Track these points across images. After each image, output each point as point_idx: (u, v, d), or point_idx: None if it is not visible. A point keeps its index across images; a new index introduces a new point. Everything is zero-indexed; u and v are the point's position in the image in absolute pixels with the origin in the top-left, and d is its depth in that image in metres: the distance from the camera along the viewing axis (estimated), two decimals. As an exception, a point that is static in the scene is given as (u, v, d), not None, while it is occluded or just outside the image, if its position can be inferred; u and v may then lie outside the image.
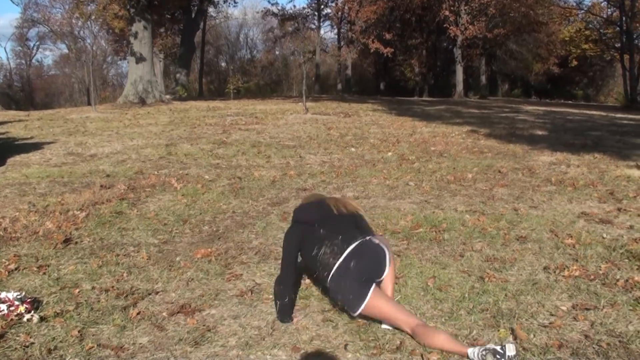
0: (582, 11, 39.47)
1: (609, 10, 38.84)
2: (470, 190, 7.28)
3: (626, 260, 4.54)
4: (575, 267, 4.32)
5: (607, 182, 7.74)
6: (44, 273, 4.35)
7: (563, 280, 4.13)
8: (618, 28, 33.68)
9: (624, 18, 31.75)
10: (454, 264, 4.54)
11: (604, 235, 5.23)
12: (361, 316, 3.46)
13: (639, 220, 5.78)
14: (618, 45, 35.07)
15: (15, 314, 3.52)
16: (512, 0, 34.56)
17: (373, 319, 3.47)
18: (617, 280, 4.10)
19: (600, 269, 4.33)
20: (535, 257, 4.67)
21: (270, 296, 3.91)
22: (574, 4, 39.88)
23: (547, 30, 40.82)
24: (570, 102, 39.89)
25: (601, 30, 39.15)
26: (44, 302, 3.82)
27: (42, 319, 3.55)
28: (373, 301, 3.38)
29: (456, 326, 3.48)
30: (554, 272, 4.29)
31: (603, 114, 22.69)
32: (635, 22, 33.06)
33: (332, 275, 3.50)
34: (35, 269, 4.42)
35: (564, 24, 43.40)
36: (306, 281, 4.19)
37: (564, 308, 3.67)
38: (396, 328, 3.36)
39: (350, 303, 3.44)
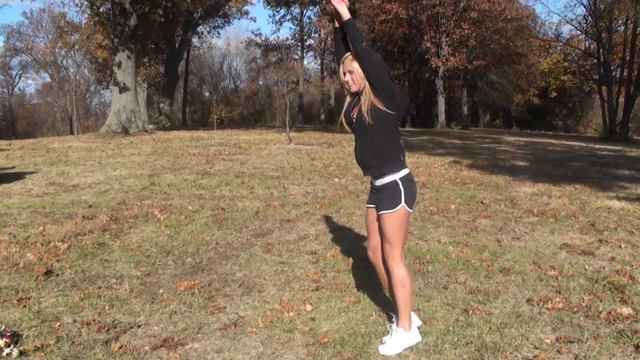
0: (561, 43, 40.21)
1: (587, 42, 39.57)
2: (454, 222, 7.31)
3: (608, 292, 4.57)
4: (558, 299, 4.34)
5: (589, 213, 7.81)
6: (24, 306, 4.29)
7: (547, 313, 4.14)
8: (596, 60, 34.27)
9: (601, 50, 32.33)
10: (438, 296, 4.54)
11: (586, 267, 5.27)
12: None
13: (621, 252, 5.83)
14: (596, 77, 35.62)
15: (-6, 348, 3.46)
16: (492, 32, 35.10)
17: None
18: (600, 312, 4.12)
19: (583, 301, 4.35)
20: (519, 289, 4.69)
21: (254, 329, 3.89)
22: (553, 37, 40.62)
23: (527, 62, 41.51)
24: (550, 132, 40.42)
25: (580, 62, 39.82)
26: (24, 335, 3.75)
27: (21, 353, 3.49)
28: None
29: (441, 360, 3.47)
30: (538, 304, 4.31)
31: (583, 144, 22.99)
32: (613, 54, 33.70)
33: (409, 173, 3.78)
34: (15, 301, 4.36)
35: (543, 55, 44.17)
36: (290, 314, 4.16)
37: (547, 341, 3.68)
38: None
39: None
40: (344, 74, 3.67)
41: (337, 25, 3.77)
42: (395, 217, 3.60)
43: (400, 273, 3.62)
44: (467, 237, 6.47)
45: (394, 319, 3.78)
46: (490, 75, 43.76)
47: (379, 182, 3.70)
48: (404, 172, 3.68)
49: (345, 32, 3.66)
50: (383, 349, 3.60)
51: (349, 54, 3.65)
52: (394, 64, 43.52)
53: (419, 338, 3.70)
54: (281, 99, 53.04)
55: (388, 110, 3.54)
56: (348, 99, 3.80)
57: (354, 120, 3.71)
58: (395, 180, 3.63)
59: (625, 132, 30.25)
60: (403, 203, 3.60)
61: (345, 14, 3.52)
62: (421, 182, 10.56)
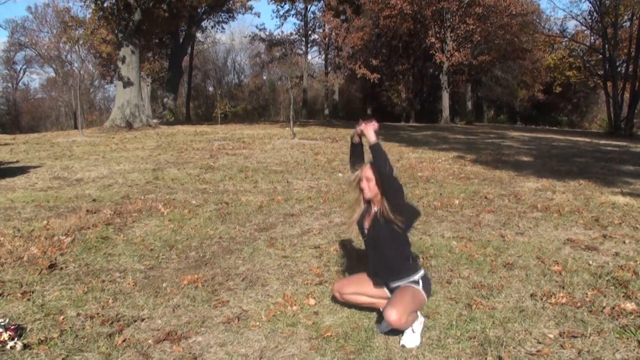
0: (566, 39, 40.05)
1: (592, 38, 39.46)
2: (457, 217, 7.30)
3: (612, 287, 4.56)
4: (562, 294, 4.33)
5: (593, 208, 7.79)
6: (28, 299, 4.30)
7: (550, 308, 4.14)
8: (601, 56, 34.18)
9: (606, 46, 32.24)
10: (441, 290, 4.54)
11: (590, 262, 5.26)
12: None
13: (625, 247, 5.82)
14: (601, 72, 35.56)
15: (-2, 341, 3.47)
16: (497, 27, 35.01)
17: None
18: (604, 307, 4.12)
19: (586, 296, 4.34)
20: (522, 284, 4.68)
21: (257, 323, 3.90)
22: (558, 32, 40.50)
23: (531, 58, 41.38)
24: (555, 128, 40.39)
25: (585, 58, 39.69)
26: (28, 329, 3.77)
27: (25, 346, 3.50)
28: None
29: (444, 354, 3.47)
30: (541, 299, 4.30)
31: (587, 140, 22.93)
32: (618, 49, 33.59)
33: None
34: (19, 295, 4.37)
35: (548, 51, 43.99)
36: (293, 308, 4.16)
37: (551, 336, 3.68)
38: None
39: None
40: (362, 179, 3.80)
41: (355, 141, 3.92)
42: (415, 292, 3.72)
43: (410, 319, 3.65)
44: (470, 232, 6.46)
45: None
46: (495, 71, 43.67)
47: (395, 284, 3.81)
48: (421, 273, 3.81)
49: (360, 149, 3.93)
50: (410, 343, 3.62)
51: (369, 162, 3.78)
52: (398, 59, 43.52)
53: (422, 318, 3.79)
54: (285, 93, 53.03)
55: (400, 228, 3.70)
56: (361, 205, 3.92)
57: (366, 231, 3.87)
58: (416, 279, 3.77)
59: (630, 127, 30.21)
60: (421, 289, 3.75)
61: (372, 138, 3.61)
62: (425, 177, 10.55)
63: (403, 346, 3.59)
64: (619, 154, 16.40)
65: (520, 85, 46.70)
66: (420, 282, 3.74)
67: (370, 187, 3.75)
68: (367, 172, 3.76)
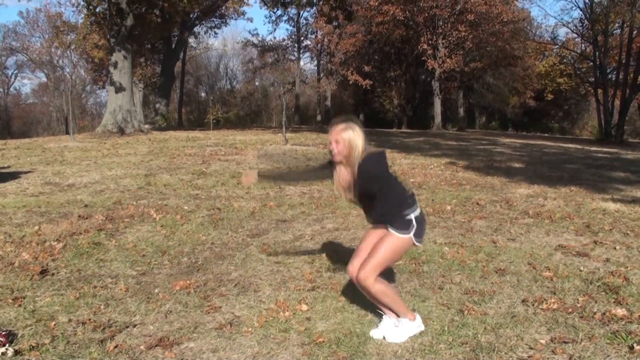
0: (557, 46, 40.25)
1: (582, 45, 39.65)
2: (449, 222, 7.33)
3: (603, 293, 4.59)
4: (553, 300, 4.35)
5: (584, 215, 7.83)
6: (20, 305, 4.28)
7: (541, 313, 4.15)
8: (592, 63, 34.36)
9: (597, 53, 32.42)
10: (433, 296, 4.55)
11: (581, 268, 5.28)
12: None
13: (615, 254, 5.85)
14: (592, 79, 35.72)
15: (-11, 347, 3.45)
16: (488, 34, 35.20)
17: None
18: (595, 313, 4.14)
19: (578, 302, 4.36)
20: (514, 289, 4.70)
21: (250, 329, 3.89)
22: (549, 39, 40.70)
23: (523, 64, 41.60)
24: (546, 134, 40.53)
25: (576, 65, 39.88)
26: (19, 335, 3.75)
27: (17, 352, 3.49)
28: None
29: (436, 360, 3.48)
30: (533, 305, 4.32)
31: (579, 147, 23.04)
32: (609, 57, 33.77)
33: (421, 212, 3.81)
34: (10, 300, 4.35)
35: (539, 58, 44.22)
36: (286, 314, 4.16)
37: (542, 341, 3.69)
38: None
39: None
40: (330, 142, 3.69)
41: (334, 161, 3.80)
42: (400, 242, 3.68)
43: (377, 287, 3.66)
44: (462, 238, 6.48)
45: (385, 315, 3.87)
46: (487, 78, 43.87)
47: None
48: (417, 211, 3.76)
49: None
50: (390, 337, 3.69)
51: (338, 123, 3.69)
52: (390, 66, 43.64)
53: (422, 327, 3.80)
54: (277, 99, 53.04)
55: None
56: (340, 169, 3.79)
57: (356, 196, 3.79)
58: (410, 218, 3.69)
59: (621, 134, 30.32)
60: (412, 234, 3.68)
61: None
62: (417, 183, 10.58)
63: (384, 337, 3.68)
64: (609, 161, 16.49)
65: (512, 92, 46.88)
66: (414, 222, 3.69)
67: (339, 150, 3.63)
68: (336, 134, 3.65)
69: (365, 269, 3.62)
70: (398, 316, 3.78)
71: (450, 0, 34.28)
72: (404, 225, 3.66)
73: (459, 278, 5.02)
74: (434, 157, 15.74)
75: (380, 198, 3.68)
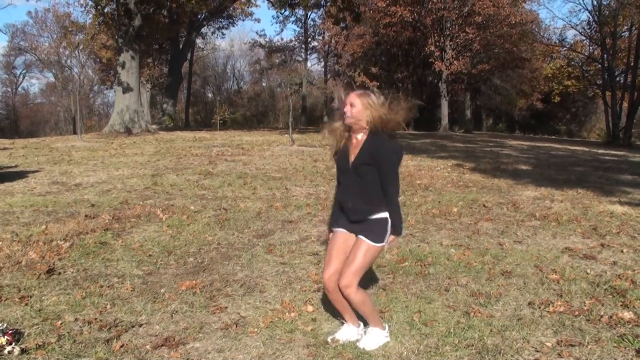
0: (565, 49, 40.17)
1: (590, 48, 39.56)
2: (456, 225, 7.31)
3: (610, 296, 4.57)
4: (559, 303, 4.34)
5: (591, 217, 7.81)
6: (26, 304, 4.30)
7: (548, 316, 4.14)
8: (600, 65, 34.28)
9: (605, 56, 32.34)
10: (439, 298, 4.54)
11: (588, 271, 5.26)
12: None
13: (622, 257, 5.83)
14: (600, 82, 35.64)
15: (-4, 346, 3.47)
16: (496, 37, 35.09)
17: None
18: (602, 316, 4.12)
19: (584, 305, 4.35)
20: (520, 292, 4.68)
21: (255, 329, 3.89)
22: (557, 42, 40.59)
23: (530, 67, 41.48)
24: (553, 137, 40.46)
25: (583, 68, 39.81)
26: (26, 333, 3.76)
27: (23, 351, 3.50)
28: None
29: (442, 362, 3.47)
30: (539, 307, 4.30)
31: (586, 149, 22.98)
32: (617, 59, 33.69)
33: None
34: (17, 299, 4.37)
35: (547, 60, 44.13)
36: (291, 314, 4.16)
37: (548, 344, 3.68)
38: None
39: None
40: (346, 104, 3.65)
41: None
42: (376, 250, 3.62)
43: (358, 296, 3.61)
44: (469, 240, 6.47)
45: (364, 327, 3.88)
46: (494, 80, 43.74)
47: (365, 217, 3.65)
48: (387, 214, 3.66)
49: None
50: (363, 344, 3.70)
51: (359, 89, 3.67)
52: (397, 67, 43.58)
53: (388, 338, 3.79)
54: (284, 100, 53.08)
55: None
56: (339, 134, 3.77)
57: (350, 164, 3.67)
58: (386, 217, 3.61)
59: (629, 137, 30.27)
60: (386, 240, 3.62)
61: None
62: (423, 184, 10.56)
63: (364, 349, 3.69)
64: (617, 164, 16.43)
65: (519, 94, 46.83)
66: (389, 223, 3.62)
67: (353, 113, 3.58)
68: (353, 98, 3.62)
69: (347, 277, 3.55)
70: (358, 326, 3.84)
71: (458, 2, 34.21)
72: (379, 234, 3.60)
73: (465, 280, 5.01)
74: (441, 159, 15.72)
75: (375, 184, 3.61)
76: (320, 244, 6.29)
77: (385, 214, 3.59)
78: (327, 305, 4.37)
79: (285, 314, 4.17)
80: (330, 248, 3.76)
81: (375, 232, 3.58)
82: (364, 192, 3.61)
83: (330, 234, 3.87)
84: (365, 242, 3.57)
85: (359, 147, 3.61)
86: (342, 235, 3.74)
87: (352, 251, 3.63)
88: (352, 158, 3.64)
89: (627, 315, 4.10)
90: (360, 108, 3.56)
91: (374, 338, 3.74)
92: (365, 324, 3.80)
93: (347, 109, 3.61)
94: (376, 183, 3.60)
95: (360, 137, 3.64)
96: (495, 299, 4.50)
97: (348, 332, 3.81)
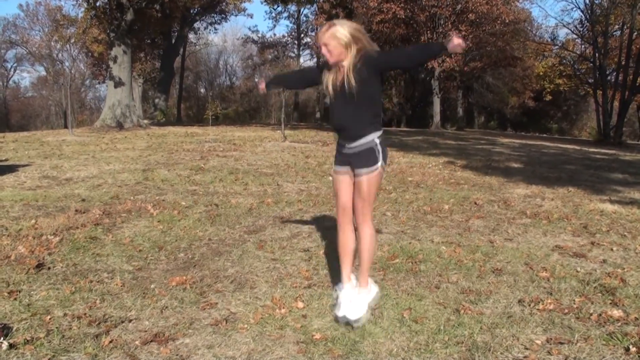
0: (557, 47, 40.29)
1: (582, 46, 39.70)
2: (447, 222, 7.32)
3: (599, 294, 4.58)
4: (549, 301, 4.35)
5: (581, 215, 7.83)
6: (15, 299, 4.27)
7: (538, 314, 4.15)
8: (591, 64, 34.41)
9: (597, 54, 32.45)
10: (429, 295, 4.54)
11: (578, 269, 5.28)
12: None
13: (612, 255, 5.85)
14: (591, 80, 35.78)
15: (-16, 340, 3.44)
16: (489, 34, 35.17)
17: None
18: (591, 314, 4.13)
19: (574, 303, 4.36)
20: (511, 289, 4.69)
21: (246, 325, 3.89)
22: (549, 40, 40.73)
23: (522, 65, 41.67)
24: (545, 135, 40.59)
25: (575, 66, 39.96)
26: (14, 328, 3.74)
27: (11, 346, 3.47)
28: None
29: (431, 359, 3.47)
30: (529, 305, 4.31)
31: (577, 147, 23.06)
32: (608, 58, 33.82)
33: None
34: (5, 294, 4.34)
35: (538, 59, 44.28)
36: (282, 311, 4.16)
37: (538, 342, 3.69)
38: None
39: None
40: (321, 47, 3.73)
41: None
42: (375, 175, 3.76)
43: (372, 230, 3.86)
44: (459, 238, 6.48)
45: (337, 287, 4.08)
46: (486, 77, 43.93)
47: (355, 143, 3.77)
48: (380, 130, 3.81)
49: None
50: (352, 314, 3.81)
51: (324, 27, 3.75)
52: (390, 64, 43.53)
53: (376, 289, 4.02)
54: (276, 96, 52.97)
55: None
56: (328, 75, 3.84)
57: (338, 90, 3.76)
58: (374, 140, 3.73)
59: (619, 136, 30.41)
60: (381, 161, 3.76)
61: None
62: (415, 182, 10.57)
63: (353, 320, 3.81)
64: (608, 162, 16.50)
65: (511, 92, 47.00)
66: (379, 145, 3.76)
67: (331, 51, 3.66)
68: (322, 38, 3.69)
69: (366, 218, 3.81)
70: (359, 280, 4.00)
71: (452, -1, 34.29)
72: (372, 159, 3.74)
73: (456, 277, 5.01)
74: (433, 156, 15.75)
75: (366, 104, 3.71)
76: (312, 240, 6.29)
77: (373, 137, 3.73)
78: (318, 301, 4.37)
79: (275, 310, 4.16)
80: (337, 188, 3.98)
81: (367, 161, 3.74)
82: (357, 113, 3.73)
83: (334, 174, 4.03)
84: (363, 174, 3.75)
85: (350, 69, 3.69)
86: (343, 176, 3.92)
87: (355, 187, 3.83)
88: (345, 81, 3.72)
89: (616, 313, 4.11)
90: (332, 42, 3.64)
91: (362, 301, 3.91)
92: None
93: (324, 51, 3.71)
94: (367, 103, 3.71)
95: (346, 62, 3.71)
96: (486, 297, 4.51)
97: (348, 293, 3.96)
